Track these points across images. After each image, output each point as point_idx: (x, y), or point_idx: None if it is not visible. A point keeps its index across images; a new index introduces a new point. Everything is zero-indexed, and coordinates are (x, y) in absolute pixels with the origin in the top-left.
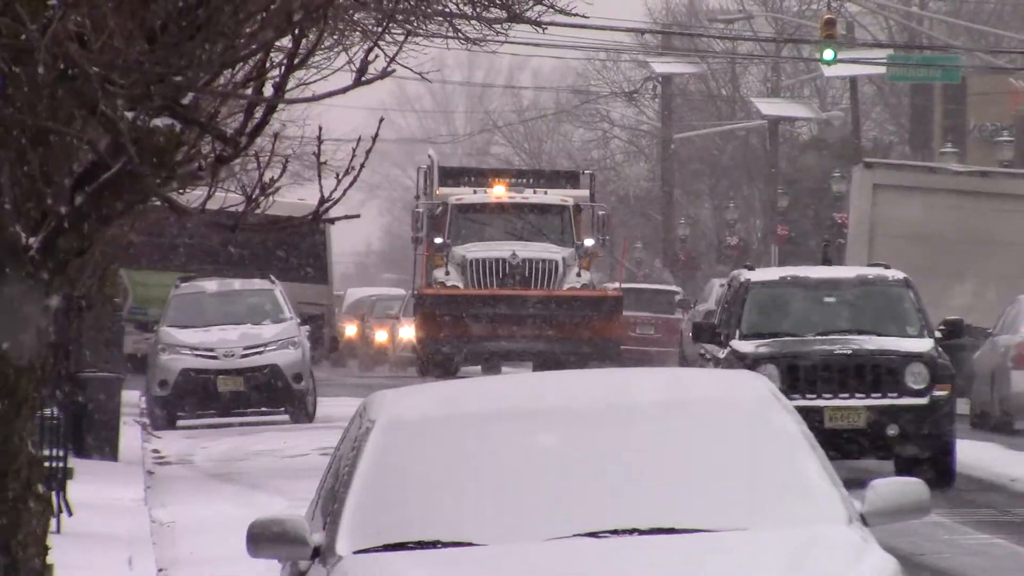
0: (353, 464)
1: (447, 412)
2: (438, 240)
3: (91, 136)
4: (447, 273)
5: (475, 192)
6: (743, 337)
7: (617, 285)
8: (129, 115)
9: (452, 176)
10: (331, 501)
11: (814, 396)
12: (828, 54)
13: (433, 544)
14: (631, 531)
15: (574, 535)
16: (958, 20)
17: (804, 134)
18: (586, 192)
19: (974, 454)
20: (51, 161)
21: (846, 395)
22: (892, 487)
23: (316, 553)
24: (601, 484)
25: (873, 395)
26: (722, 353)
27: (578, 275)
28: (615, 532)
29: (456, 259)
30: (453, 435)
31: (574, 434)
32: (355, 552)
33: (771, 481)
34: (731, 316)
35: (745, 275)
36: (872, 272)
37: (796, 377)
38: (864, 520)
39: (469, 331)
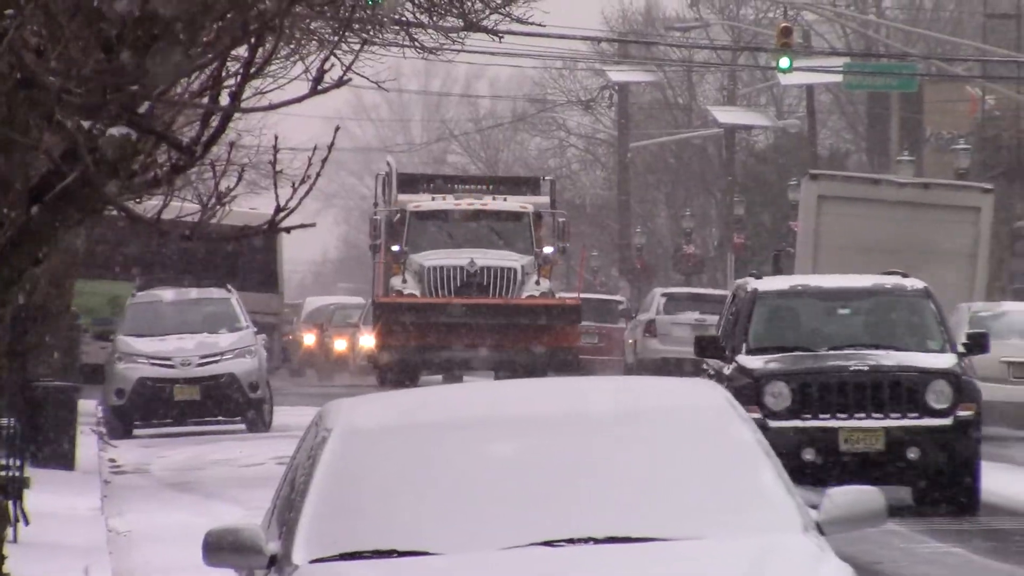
0: (309, 473)
1: (403, 421)
2: (395, 248)
3: (47, 145)
4: (404, 281)
5: (434, 199)
6: (750, 351)
7: (576, 295)
8: (85, 124)
9: (411, 183)
10: (287, 510)
11: (828, 416)
12: (784, 62)
13: (389, 553)
14: (587, 540)
15: (530, 544)
16: (915, 28)
17: (760, 142)
18: (547, 199)
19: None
20: (8, 170)
21: (862, 415)
22: (848, 496)
23: (272, 562)
24: (557, 493)
25: (892, 415)
26: (727, 369)
27: (537, 283)
28: (571, 541)
29: (414, 267)
30: (409, 444)
31: (531, 443)
32: (311, 561)
33: (727, 490)
34: (737, 329)
35: (752, 284)
36: (889, 281)
37: (808, 395)
38: (820, 529)
39: (426, 340)
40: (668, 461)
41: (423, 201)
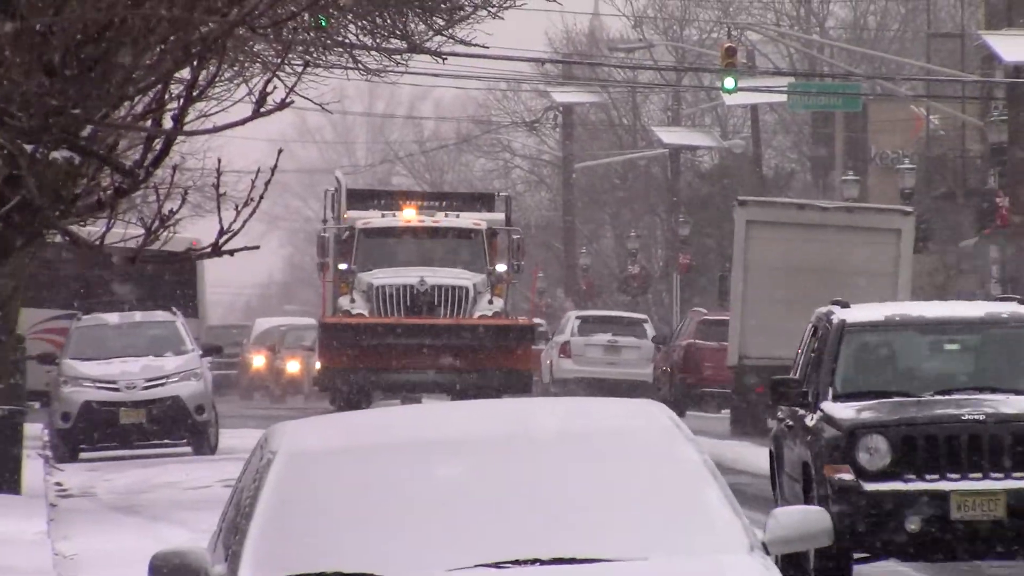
0: (255, 495)
1: (348, 443)
2: (343, 266)
3: None
4: (353, 301)
5: (384, 216)
6: (838, 397)
7: (529, 317)
8: (28, 148)
9: (360, 199)
10: (233, 533)
11: (936, 477)
12: (729, 82)
13: None
14: (533, 561)
15: (476, 565)
16: (859, 48)
17: (705, 163)
18: (501, 215)
19: None
20: None
21: (979, 475)
22: (794, 516)
23: None
24: (503, 514)
25: (1015, 475)
26: (810, 418)
27: (490, 302)
28: (517, 562)
29: (362, 286)
30: (355, 466)
31: (476, 464)
32: None
33: (672, 510)
34: (821, 369)
35: (838, 314)
36: (1005, 309)
37: (912, 451)
38: (766, 549)
39: (373, 362)
40: (614, 482)
41: (372, 218)
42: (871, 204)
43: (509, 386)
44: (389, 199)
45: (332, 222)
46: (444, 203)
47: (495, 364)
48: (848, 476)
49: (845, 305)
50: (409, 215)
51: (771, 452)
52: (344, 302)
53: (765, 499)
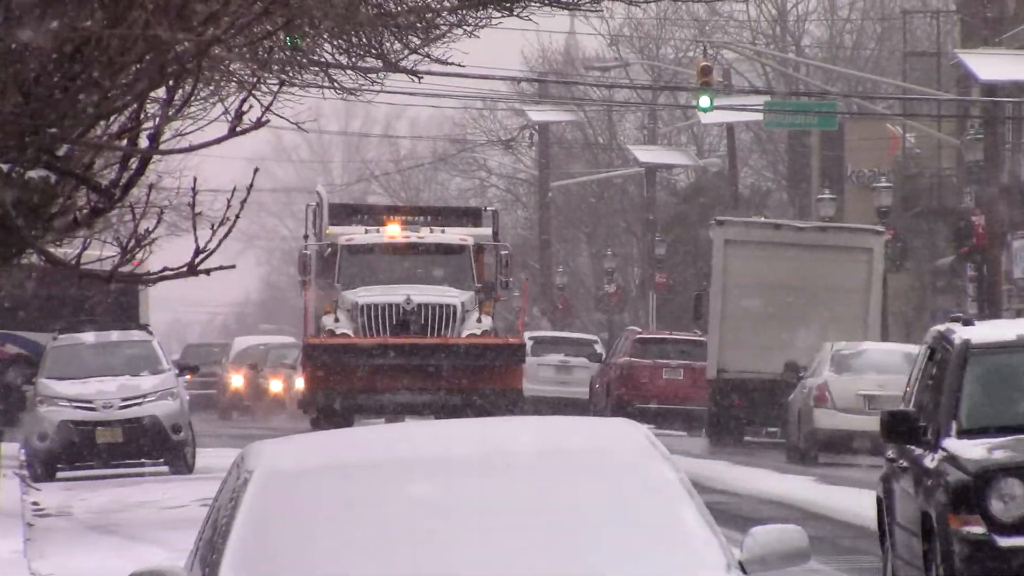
0: (231, 515)
1: (325, 462)
2: (326, 284)
3: None
4: (337, 320)
5: (367, 231)
6: (963, 433)
7: (519, 335)
8: (4, 167)
9: (343, 215)
10: (209, 552)
11: None
12: (704, 101)
13: None
14: None
15: None
16: (835, 67)
17: (681, 181)
18: (488, 230)
19: (857, 500)
20: None
21: None
22: (771, 535)
23: None
24: (479, 534)
25: None
26: (930, 458)
27: (478, 321)
28: None
29: (346, 305)
30: (331, 486)
31: (452, 484)
32: None
33: (649, 529)
34: (941, 399)
35: (960, 333)
36: None
37: None
38: (743, 568)
39: (360, 383)
40: (590, 501)
41: (356, 234)
42: (844, 224)
43: (499, 406)
44: (372, 214)
45: (313, 238)
46: (429, 218)
47: (485, 384)
48: (978, 529)
49: (968, 322)
50: (393, 231)
51: (878, 498)
52: (328, 321)
53: (742, 518)
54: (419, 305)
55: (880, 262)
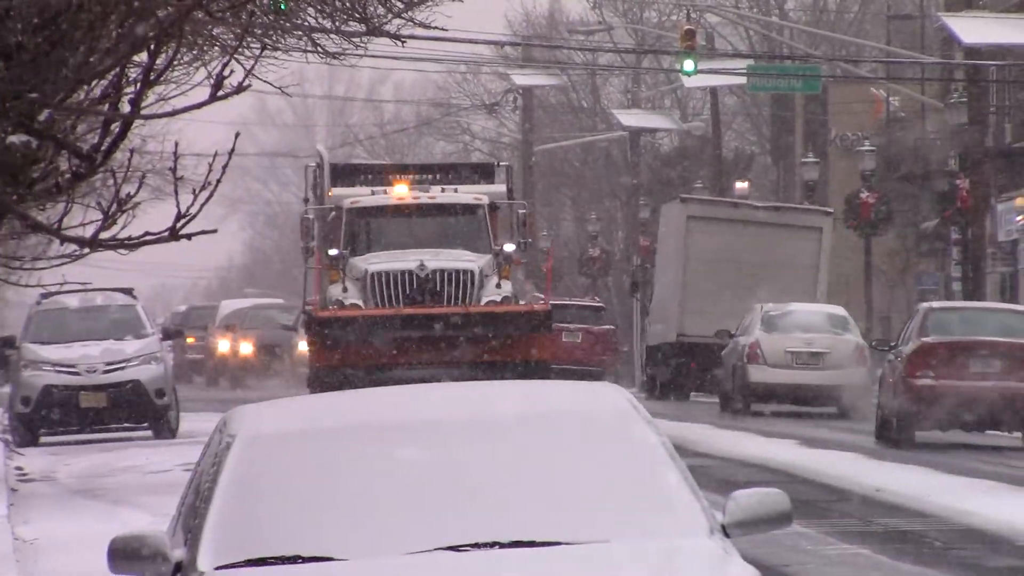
0: (214, 480)
1: (308, 427)
2: (333, 252)
3: None
4: (345, 290)
5: (373, 193)
6: None
7: (546, 300)
8: None
9: (345, 175)
10: (192, 517)
11: None
12: (688, 65)
13: (294, 559)
14: (492, 544)
15: (436, 549)
16: (818, 30)
17: (665, 145)
18: (503, 187)
19: (839, 463)
20: None
21: None
22: (753, 498)
23: (178, 569)
24: (463, 497)
25: None
26: None
27: (498, 286)
28: (476, 545)
29: (355, 273)
30: (314, 450)
31: (436, 448)
32: (216, 568)
33: (632, 493)
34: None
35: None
36: None
37: None
38: (726, 531)
39: (376, 358)
40: (573, 465)
41: (361, 196)
42: (797, 205)
43: (527, 379)
44: (377, 174)
45: (314, 201)
46: (438, 176)
47: (512, 356)
48: None
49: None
50: (401, 191)
51: None
52: (335, 291)
53: (725, 481)
54: (434, 271)
55: (829, 240)
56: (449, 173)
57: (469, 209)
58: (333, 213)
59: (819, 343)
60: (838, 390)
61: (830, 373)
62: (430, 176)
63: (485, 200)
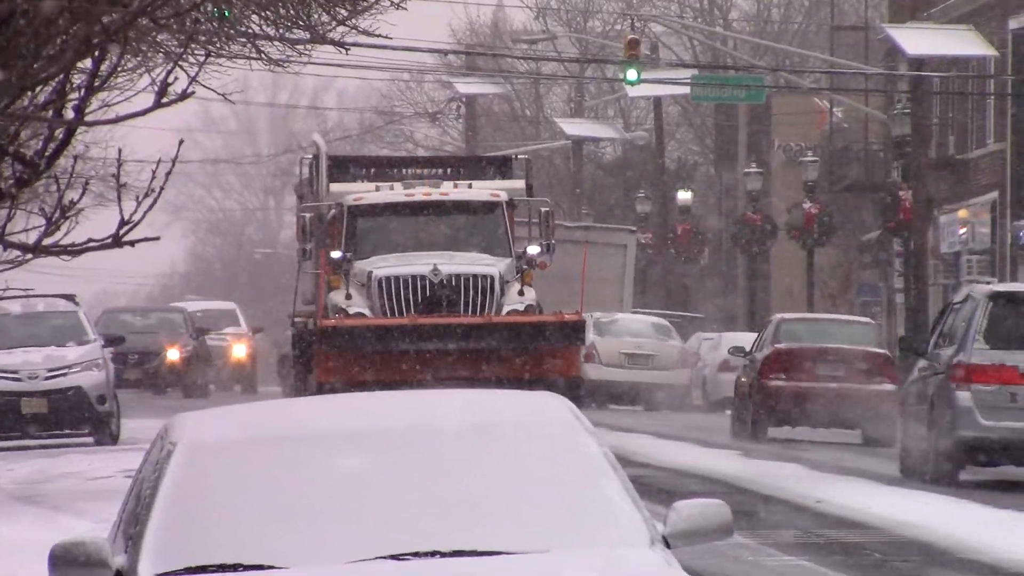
0: (155, 487)
1: (249, 434)
2: (336, 254)
3: None
4: (348, 297)
5: (378, 189)
6: None
7: (579, 310)
8: None
9: (345, 169)
10: (133, 523)
11: None
12: (632, 74)
13: (234, 567)
14: (434, 553)
15: (377, 558)
16: (762, 40)
17: (608, 155)
18: (521, 183)
19: (780, 474)
20: None
21: None
22: (694, 509)
23: (118, 575)
24: (404, 506)
25: None
26: None
27: (520, 293)
28: (418, 555)
29: (359, 278)
30: (255, 457)
31: (377, 456)
32: (157, 575)
33: (573, 503)
34: None
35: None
36: None
37: None
38: (667, 542)
39: (388, 373)
40: (514, 474)
41: (364, 192)
42: (604, 224)
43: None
44: (381, 168)
45: (311, 198)
46: (450, 170)
47: (538, 371)
48: None
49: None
50: (408, 187)
51: None
52: (337, 298)
53: (666, 491)
54: (449, 276)
55: (632, 256)
56: (461, 167)
57: (486, 207)
58: (333, 211)
59: (648, 347)
60: (664, 388)
61: (657, 373)
62: (440, 170)
63: (504, 197)
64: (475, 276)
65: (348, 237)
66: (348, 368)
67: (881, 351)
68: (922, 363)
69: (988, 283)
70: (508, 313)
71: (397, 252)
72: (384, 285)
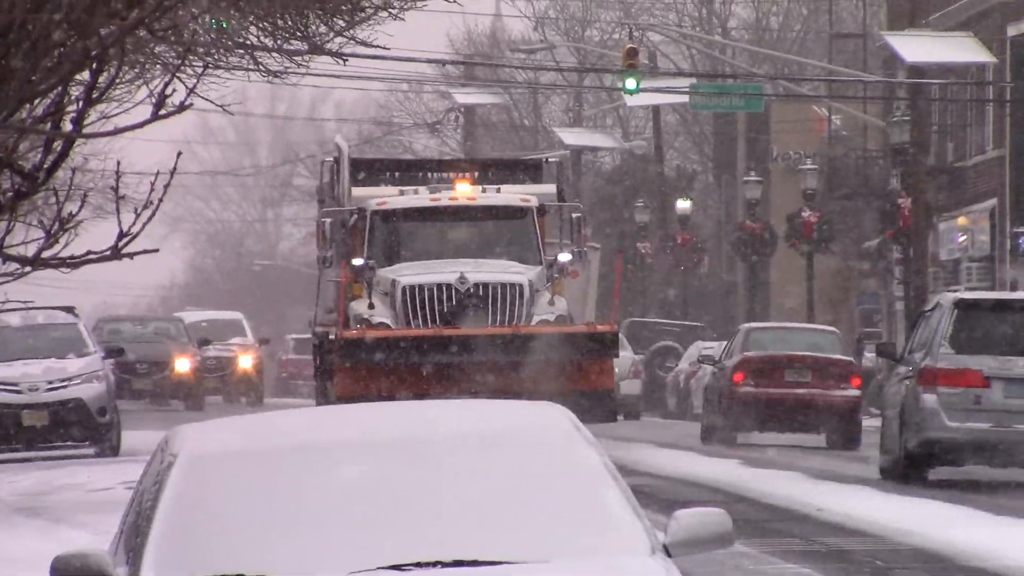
0: (155, 498)
1: (249, 446)
2: (358, 261)
3: None
4: (371, 306)
5: (402, 193)
6: None
7: (612, 321)
8: None
9: (369, 172)
10: (134, 535)
11: None
12: (630, 83)
13: None
14: (434, 563)
15: (378, 568)
16: (760, 48)
17: (607, 164)
18: (552, 187)
19: (779, 483)
20: None
21: None
22: (694, 517)
23: None
24: (404, 517)
25: None
26: None
27: (551, 303)
28: (419, 565)
29: (382, 286)
30: (256, 469)
31: (378, 467)
32: None
33: (573, 513)
34: None
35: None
36: None
37: None
38: (667, 551)
39: (413, 386)
40: (515, 484)
41: (388, 196)
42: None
43: (590, 411)
44: (406, 171)
45: (332, 202)
46: (479, 174)
47: (569, 384)
48: None
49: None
50: (434, 191)
51: None
52: (360, 308)
53: (667, 501)
54: (476, 285)
55: (595, 270)
56: (490, 170)
57: (516, 212)
58: (355, 216)
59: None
60: (620, 398)
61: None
62: (468, 173)
63: (534, 201)
64: (504, 285)
65: (371, 243)
66: (369, 381)
67: (845, 358)
68: (900, 369)
69: (954, 291)
70: (538, 323)
71: (422, 259)
72: (409, 294)
